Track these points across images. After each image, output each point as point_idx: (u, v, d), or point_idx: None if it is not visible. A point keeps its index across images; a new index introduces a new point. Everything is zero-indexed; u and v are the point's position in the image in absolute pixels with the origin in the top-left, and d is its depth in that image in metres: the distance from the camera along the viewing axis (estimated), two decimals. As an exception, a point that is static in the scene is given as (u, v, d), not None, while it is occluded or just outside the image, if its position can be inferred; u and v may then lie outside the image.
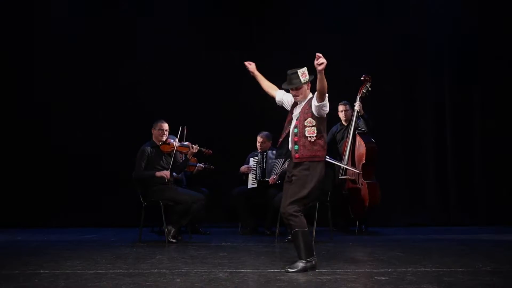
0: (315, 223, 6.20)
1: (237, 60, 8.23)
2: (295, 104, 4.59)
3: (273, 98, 4.80)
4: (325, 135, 4.48)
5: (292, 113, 4.55)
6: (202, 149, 6.52)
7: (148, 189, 6.25)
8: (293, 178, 4.38)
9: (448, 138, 8.27)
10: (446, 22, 8.37)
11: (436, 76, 8.40)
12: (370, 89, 6.96)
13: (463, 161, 8.27)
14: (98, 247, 5.84)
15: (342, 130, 7.17)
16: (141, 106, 8.10)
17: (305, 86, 4.45)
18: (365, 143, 6.87)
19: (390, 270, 4.33)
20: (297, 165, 4.39)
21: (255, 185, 7.07)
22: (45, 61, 8.34)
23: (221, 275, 4.15)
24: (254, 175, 7.11)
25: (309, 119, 4.36)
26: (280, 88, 4.73)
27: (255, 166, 7.13)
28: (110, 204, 8.04)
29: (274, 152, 7.13)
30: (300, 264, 4.30)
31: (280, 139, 4.58)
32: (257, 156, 7.19)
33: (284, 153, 4.53)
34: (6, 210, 7.99)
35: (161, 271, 4.33)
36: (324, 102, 4.29)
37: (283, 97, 4.70)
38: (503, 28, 8.25)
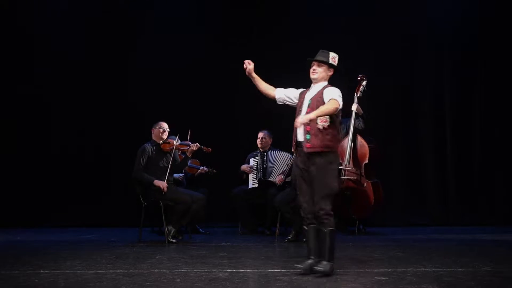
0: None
1: (237, 59, 8.28)
2: (303, 94, 4.43)
3: (272, 100, 4.60)
4: (338, 126, 4.33)
5: (302, 102, 4.37)
6: (202, 147, 6.52)
7: (148, 189, 6.24)
8: (313, 173, 4.17)
9: (448, 138, 8.27)
10: (446, 22, 8.37)
11: (436, 76, 8.40)
12: (366, 88, 6.96)
13: (463, 161, 8.26)
14: (98, 247, 5.84)
15: None
16: (142, 106, 8.09)
17: (326, 68, 4.37)
18: (367, 142, 6.88)
19: (390, 270, 4.33)
20: (310, 157, 4.19)
21: (256, 185, 7.08)
22: (45, 62, 8.35)
23: (221, 275, 4.15)
24: (255, 175, 7.11)
25: None
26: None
27: (256, 166, 7.13)
28: (110, 204, 8.05)
29: (274, 151, 7.14)
30: (329, 265, 4.11)
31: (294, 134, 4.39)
32: (257, 156, 7.20)
33: (297, 146, 4.32)
34: (6, 210, 8.00)
35: (161, 271, 4.33)
36: (338, 107, 4.19)
37: (284, 93, 4.52)
38: (504, 28, 8.26)
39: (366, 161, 6.85)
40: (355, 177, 6.90)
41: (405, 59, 8.36)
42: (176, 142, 6.36)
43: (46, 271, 4.32)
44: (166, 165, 6.32)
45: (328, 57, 4.38)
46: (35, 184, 8.15)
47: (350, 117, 6.94)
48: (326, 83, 4.40)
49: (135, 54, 8.32)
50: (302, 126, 4.21)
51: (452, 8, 8.34)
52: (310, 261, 4.19)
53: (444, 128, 8.29)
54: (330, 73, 4.42)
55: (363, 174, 6.86)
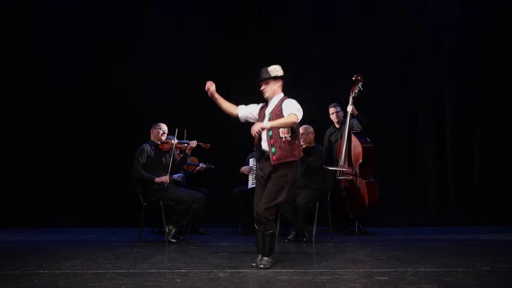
0: (315, 223, 6.21)
1: (237, 60, 8.30)
2: (263, 108, 4.69)
3: (236, 118, 4.84)
4: (299, 134, 4.63)
5: (263, 116, 4.63)
6: (200, 143, 6.55)
7: (148, 189, 6.24)
8: (271, 181, 4.48)
9: (448, 138, 8.28)
10: (446, 22, 8.37)
11: (436, 76, 8.40)
12: (362, 89, 6.96)
13: (463, 161, 8.27)
14: (98, 247, 5.84)
15: (336, 132, 7.18)
16: (141, 106, 8.10)
17: (273, 82, 4.59)
18: (361, 143, 6.88)
19: (390, 270, 4.33)
20: (275, 168, 4.48)
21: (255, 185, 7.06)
22: (44, 62, 8.35)
23: (221, 275, 4.15)
24: (254, 175, 7.10)
25: None
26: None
27: (255, 166, 7.12)
28: (110, 204, 8.05)
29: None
30: (269, 260, 4.49)
31: (255, 142, 4.65)
32: (257, 156, 7.19)
33: (260, 155, 4.60)
34: (6, 210, 8.00)
35: (161, 271, 4.33)
36: (300, 117, 4.47)
37: (245, 111, 4.78)
38: (504, 28, 8.26)
39: (360, 161, 6.86)
40: (350, 177, 6.91)
41: (405, 59, 8.35)
42: (174, 141, 6.36)
43: (46, 271, 4.31)
44: (165, 163, 6.32)
45: (268, 73, 4.59)
46: (35, 184, 8.15)
47: (333, 125, 7.11)
48: (281, 94, 4.64)
49: (135, 54, 8.33)
50: (266, 139, 4.50)
51: (452, 8, 8.34)
52: (259, 258, 4.54)
53: (444, 128, 8.30)
54: (279, 84, 4.64)
55: (358, 174, 6.88)
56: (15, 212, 8.03)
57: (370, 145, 6.95)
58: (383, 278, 3.99)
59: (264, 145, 4.55)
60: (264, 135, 4.53)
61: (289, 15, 8.38)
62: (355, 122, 6.99)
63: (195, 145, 6.44)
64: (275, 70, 4.60)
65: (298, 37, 8.22)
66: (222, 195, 7.50)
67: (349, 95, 6.94)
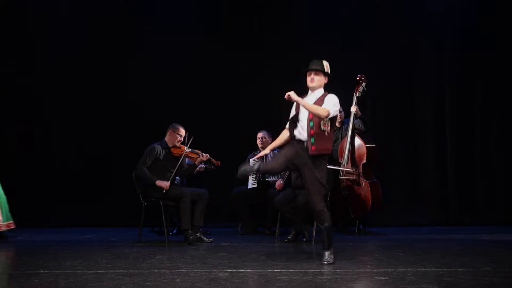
0: (315, 223, 6.20)
1: (237, 60, 8.30)
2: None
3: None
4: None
5: (300, 109, 4.70)
6: (212, 159, 6.53)
7: (148, 189, 6.23)
8: (312, 172, 4.54)
9: (448, 138, 8.27)
10: (446, 22, 8.37)
11: (436, 76, 8.39)
12: (366, 89, 6.96)
13: (463, 161, 8.26)
14: (98, 247, 5.84)
15: (336, 132, 7.16)
16: (143, 107, 8.10)
17: (323, 77, 4.73)
18: (365, 143, 6.88)
19: (390, 270, 4.33)
20: (313, 158, 4.57)
21: (255, 185, 7.08)
22: (44, 62, 8.35)
23: (221, 275, 4.15)
24: (254, 175, 7.11)
25: None
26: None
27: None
28: (110, 204, 8.05)
29: (274, 152, 7.12)
30: (330, 255, 4.62)
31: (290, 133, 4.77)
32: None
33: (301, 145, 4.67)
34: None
35: (161, 271, 4.34)
36: (332, 113, 4.60)
37: (292, 123, 4.80)
38: (504, 27, 8.25)
39: (364, 161, 6.86)
40: (353, 177, 6.90)
41: (405, 59, 8.35)
42: (186, 148, 6.31)
43: (46, 271, 4.32)
44: (172, 170, 6.27)
45: (323, 65, 4.73)
46: (35, 184, 8.15)
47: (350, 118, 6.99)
48: (323, 90, 4.76)
49: (135, 54, 8.32)
50: (306, 129, 4.60)
51: (452, 7, 8.33)
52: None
53: (444, 128, 8.29)
54: (325, 81, 4.79)
55: (361, 174, 6.87)
56: (15, 212, 8.02)
57: (374, 145, 6.96)
58: (383, 278, 3.99)
59: (302, 135, 4.64)
60: (304, 125, 4.63)
61: (289, 14, 8.37)
62: (358, 122, 6.99)
63: (206, 159, 6.41)
64: (327, 66, 4.74)
65: (298, 37, 8.20)
66: (222, 195, 7.50)
67: (353, 95, 6.93)
